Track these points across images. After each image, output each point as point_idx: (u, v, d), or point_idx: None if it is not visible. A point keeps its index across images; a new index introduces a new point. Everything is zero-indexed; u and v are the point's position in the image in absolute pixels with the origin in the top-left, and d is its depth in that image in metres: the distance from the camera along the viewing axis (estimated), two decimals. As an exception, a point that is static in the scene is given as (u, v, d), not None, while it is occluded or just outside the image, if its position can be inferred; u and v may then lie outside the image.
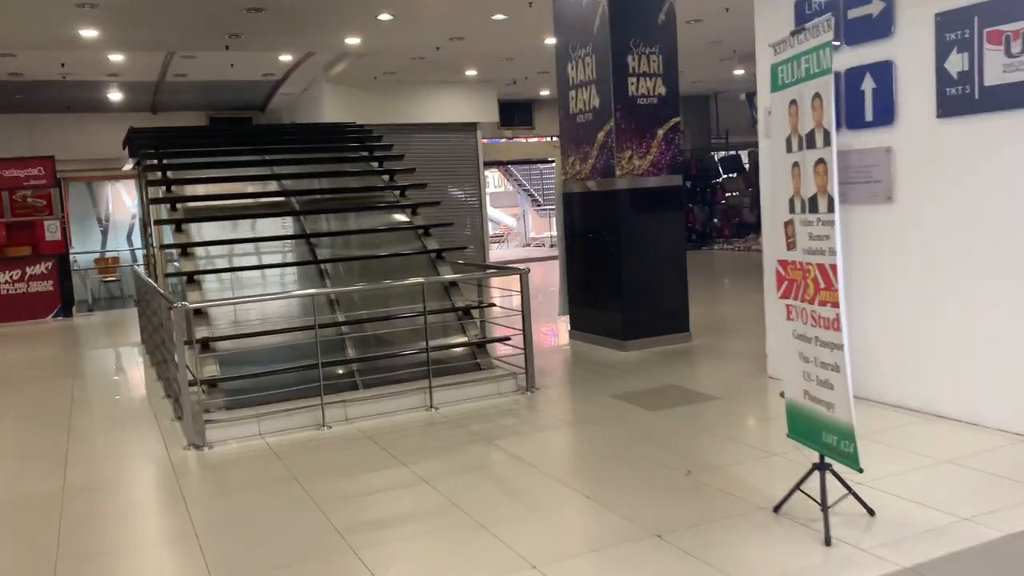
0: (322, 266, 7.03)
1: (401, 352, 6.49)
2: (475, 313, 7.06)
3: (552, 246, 23.55)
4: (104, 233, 19.34)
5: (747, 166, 22.29)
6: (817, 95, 3.45)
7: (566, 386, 6.64)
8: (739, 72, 17.37)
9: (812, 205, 3.54)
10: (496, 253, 23.18)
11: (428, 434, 5.55)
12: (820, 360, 3.56)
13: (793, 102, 3.64)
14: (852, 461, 3.39)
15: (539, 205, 27.48)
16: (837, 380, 3.45)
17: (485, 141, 18.59)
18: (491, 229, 30.89)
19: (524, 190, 27.70)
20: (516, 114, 19.29)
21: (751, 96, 15.02)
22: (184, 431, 5.61)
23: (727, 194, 21.12)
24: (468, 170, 16.60)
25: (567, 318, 8.75)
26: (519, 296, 6.46)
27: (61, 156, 14.38)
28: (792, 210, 3.72)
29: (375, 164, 8.52)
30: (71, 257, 14.81)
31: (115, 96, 15.78)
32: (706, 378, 6.68)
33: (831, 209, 3.41)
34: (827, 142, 3.41)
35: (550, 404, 6.12)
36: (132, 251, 18.74)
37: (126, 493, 4.87)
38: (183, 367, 5.50)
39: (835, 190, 3.38)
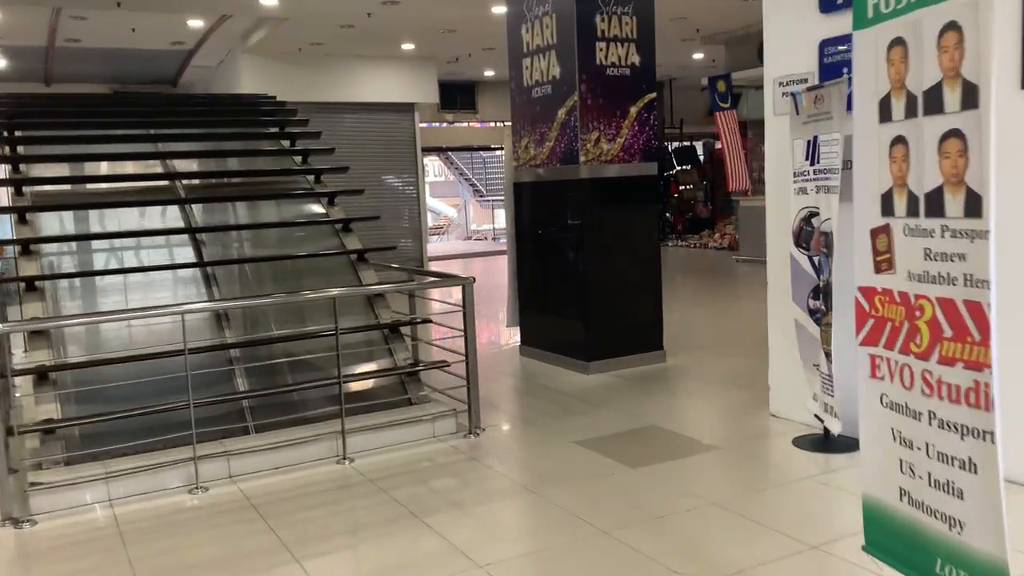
0: (208, 270, 5.50)
1: (307, 384, 5.03)
2: (406, 330, 5.64)
3: (496, 239, 22.18)
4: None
5: (702, 158, 21.21)
6: (953, 27, 2.12)
7: (519, 426, 5.26)
8: (698, 56, 16.19)
9: (934, 204, 2.22)
10: (435, 247, 21.70)
11: (337, 503, 4.12)
12: (939, 449, 2.25)
13: (898, 42, 2.31)
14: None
15: (482, 196, 26.06)
16: (974, 485, 2.14)
17: (424, 125, 17.09)
18: (430, 220, 29.43)
19: (466, 180, 26.24)
20: (458, 96, 17.82)
21: (714, 80, 13.85)
22: (-1, 499, 4.08)
23: (681, 187, 20.00)
24: (405, 156, 15.08)
25: (517, 330, 7.38)
26: (462, 311, 5.05)
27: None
28: (889, 211, 2.40)
29: (286, 143, 6.99)
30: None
31: (-1, 63, 13.83)
32: (693, 415, 5.37)
33: (976, 212, 2.09)
34: (971, 102, 2.09)
35: (499, 455, 4.74)
36: None
37: None
38: (-4, 412, 3.97)
39: (989, 179, 2.06)
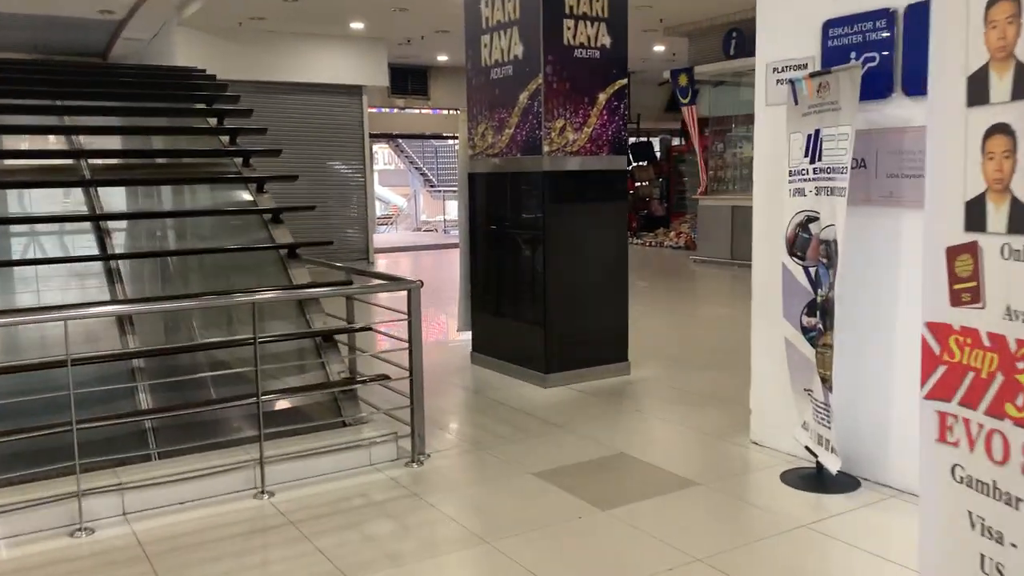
0: (112, 265, 4.72)
1: (222, 402, 4.30)
2: (344, 339, 4.94)
3: (446, 231, 21.45)
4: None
5: (658, 154, 20.78)
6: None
7: (469, 452, 4.59)
8: (659, 48, 15.67)
9: (1052, 219, 1.63)
10: (383, 237, 20.90)
11: (246, 553, 3.42)
12: (1044, 550, 1.67)
13: (1004, -3, 1.71)
14: None
15: (433, 186, 25.29)
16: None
17: (373, 110, 16.28)
18: (380, 210, 28.54)
19: (416, 169, 25.44)
20: (410, 81, 17.05)
21: (676, 74, 13.33)
22: None
23: (636, 184, 19.51)
24: (352, 142, 14.26)
25: (468, 335, 6.72)
26: (407, 320, 4.36)
27: None
28: (978, 226, 1.80)
29: (213, 121, 6.20)
30: None
31: (-94, 26, 12.64)
32: (666, 441, 4.77)
33: None
34: None
35: (446, 490, 4.08)
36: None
37: None
38: None
39: None
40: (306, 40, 13.46)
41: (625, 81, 5.95)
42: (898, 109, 3.77)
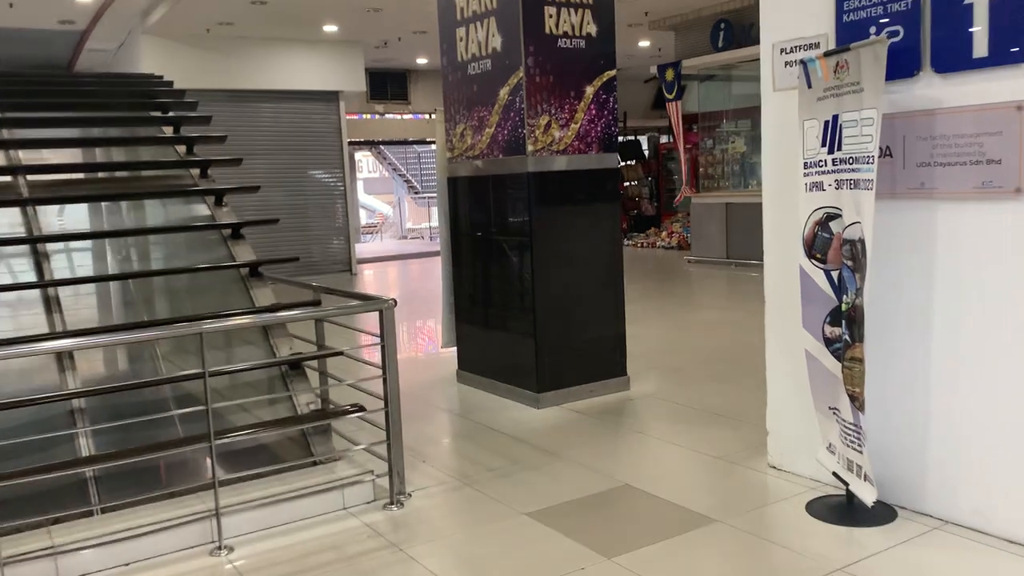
0: (50, 292, 4.23)
1: (175, 446, 3.81)
2: (314, 365, 4.46)
3: (432, 239, 20.96)
4: None
5: (647, 152, 20.36)
6: None
7: (455, 489, 4.10)
8: (644, 44, 15.26)
9: None
10: (367, 247, 20.42)
11: (198, 628, 2.94)
12: None
13: None
14: None
15: (417, 193, 24.81)
16: None
17: (352, 117, 15.82)
18: (365, 218, 28.00)
19: (400, 176, 24.96)
20: (389, 85, 16.57)
21: (663, 68, 12.89)
22: None
23: (625, 184, 19.08)
24: (330, 150, 13.78)
25: (454, 351, 6.24)
26: (380, 345, 3.88)
27: None
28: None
29: (168, 130, 5.72)
30: None
31: None
32: (674, 469, 4.30)
33: None
34: None
35: (430, 539, 3.59)
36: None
37: None
38: None
39: None
40: (278, 45, 12.98)
41: (614, 72, 5.49)
42: (927, 89, 3.32)
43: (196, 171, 5.35)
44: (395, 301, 3.85)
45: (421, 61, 15.96)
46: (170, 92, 6.20)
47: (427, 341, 8.22)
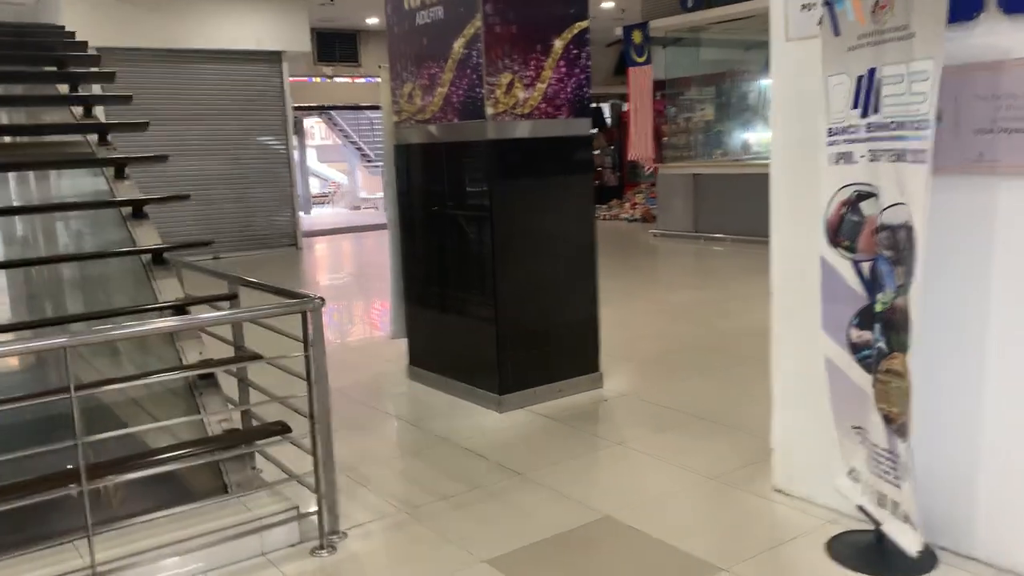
0: None
1: (32, 489, 3.03)
2: (229, 372, 3.69)
3: (386, 210, 20.05)
4: None
5: (608, 121, 19.64)
6: None
7: (401, 526, 3.38)
8: (608, 5, 14.48)
9: None
10: (317, 218, 19.48)
11: None
12: None
13: None
14: None
15: (370, 161, 23.79)
16: None
17: (297, 80, 14.82)
18: (319, 187, 26.89)
19: (352, 143, 23.91)
20: (337, 47, 15.57)
21: (629, 30, 12.14)
22: None
23: (587, 152, 18.33)
24: (272, 114, 12.80)
25: (404, 342, 5.51)
26: (304, 356, 3.13)
27: None
28: None
29: (65, 88, 4.84)
30: None
31: None
32: (663, 494, 3.62)
33: None
34: None
35: (368, 592, 2.89)
36: None
37: None
38: None
39: None
40: (215, 2, 11.93)
41: (586, 23, 4.75)
42: (990, 36, 2.64)
43: (94, 137, 4.50)
44: (322, 300, 3.10)
45: (371, 21, 14.98)
46: (69, 44, 5.29)
47: (378, 326, 7.46)
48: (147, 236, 4.01)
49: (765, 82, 14.23)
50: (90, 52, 5.23)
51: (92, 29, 11.33)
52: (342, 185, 25.74)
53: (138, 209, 4.10)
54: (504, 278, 4.62)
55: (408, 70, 5.04)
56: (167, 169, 11.87)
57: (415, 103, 5.01)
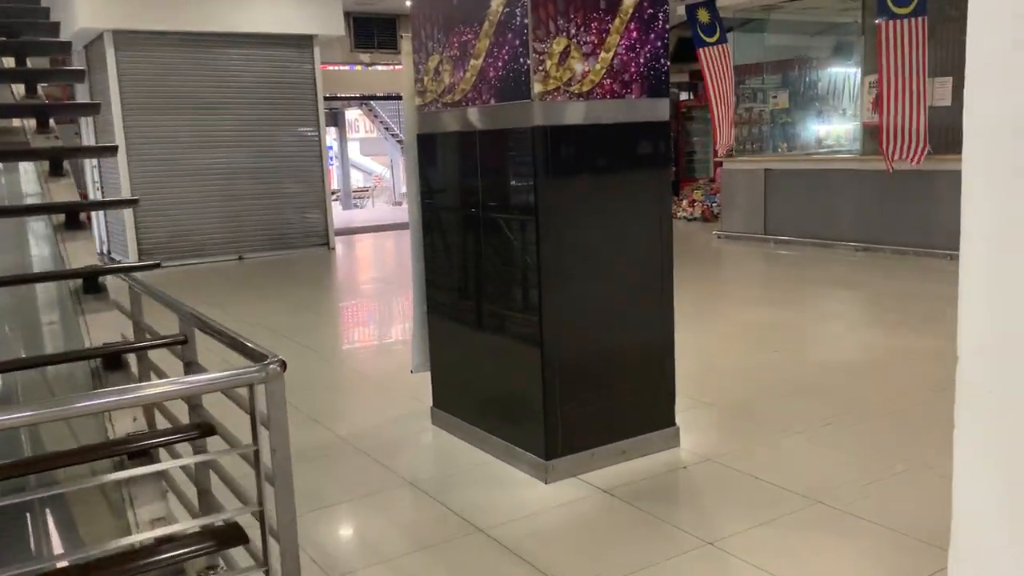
0: None
1: None
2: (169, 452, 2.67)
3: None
4: None
5: (664, 111, 18.35)
6: None
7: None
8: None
9: None
10: (353, 215, 18.63)
11: None
12: None
13: None
14: None
15: (412, 154, 22.79)
16: None
17: (332, 67, 13.91)
18: (361, 181, 26.06)
19: (392, 135, 23.02)
20: (376, 33, 14.58)
21: (693, 9, 10.92)
22: None
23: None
24: (303, 104, 11.87)
25: (427, 375, 4.47)
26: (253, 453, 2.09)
27: None
28: None
29: (10, 60, 3.89)
30: None
31: None
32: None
33: None
34: None
35: None
36: None
37: None
38: None
39: None
40: (240, -20, 11.04)
41: (665, -25, 3.63)
42: None
43: (33, 120, 3.52)
44: (283, 364, 2.05)
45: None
46: (22, 10, 4.34)
47: (404, 352, 6.43)
48: (81, 253, 3.01)
49: (839, 70, 12.92)
50: (44, 20, 4.25)
51: (111, 12, 10.54)
52: (384, 179, 24.89)
53: (74, 218, 3.10)
54: (552, 303, 3.54)
55: (434, 38, 3.98)
56: (184, 161, 11.07)
57: (442, 80, 3.94)
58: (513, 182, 3.63)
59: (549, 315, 3.54)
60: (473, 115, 3.78)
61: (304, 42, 11.72)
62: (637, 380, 3.81)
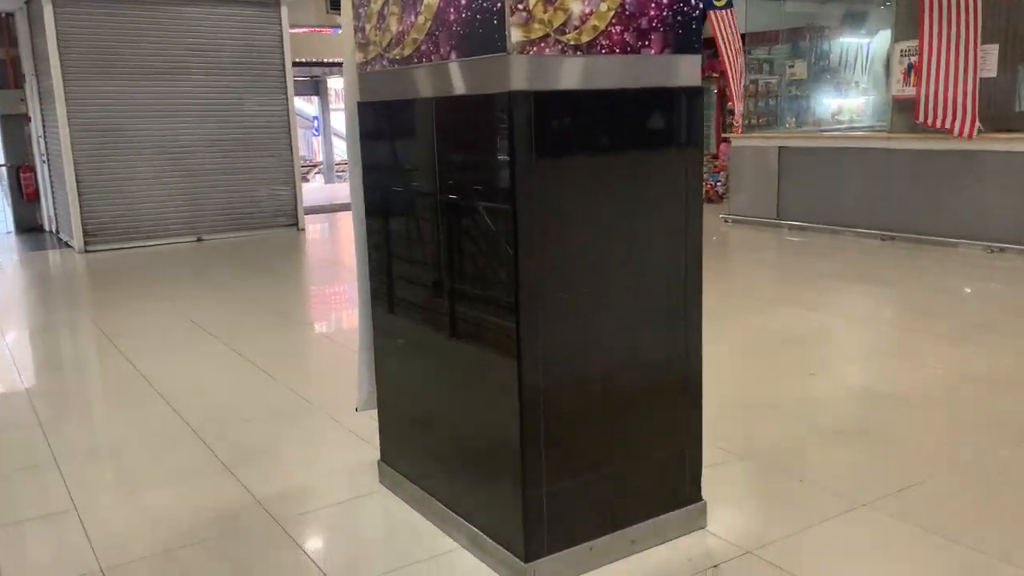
0: None
1: None
2: None
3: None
4: None
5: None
6: None
7: None
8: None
9: None
10: (329, 190, 17.56)
11: None
12: None
13: None
14: None
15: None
16: None
17: (301, 31, 12.78)
18: (344, 155, 24.91)
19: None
20: (353, -7, 13.38)
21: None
22: None
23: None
24: (268, 71, 10.74)
25: (373, 414, 3.44)
26: None
27: None
28: None
29: None
30: None
31: None
32: None
33: None
34: None
35: None
36: None
37: None
38: None
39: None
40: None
41: None
42: None
43: None
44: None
45: (392, -39, 12.79)
46: None
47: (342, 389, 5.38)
48: None
49: (856, 40, 11.84)
50: None
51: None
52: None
53: None
54: (533, 333, 2.50)
55: (379, -28, 2.91)
56: (135, 132, 9.97)
57: (388, 29, 2.88)
58: (483, 175, 2.58)
59: (529, 349, 2.51)
60: (426, 76, 2.72)
61: (269, 1, 10.56)
62: (651, 440, 2.79)
